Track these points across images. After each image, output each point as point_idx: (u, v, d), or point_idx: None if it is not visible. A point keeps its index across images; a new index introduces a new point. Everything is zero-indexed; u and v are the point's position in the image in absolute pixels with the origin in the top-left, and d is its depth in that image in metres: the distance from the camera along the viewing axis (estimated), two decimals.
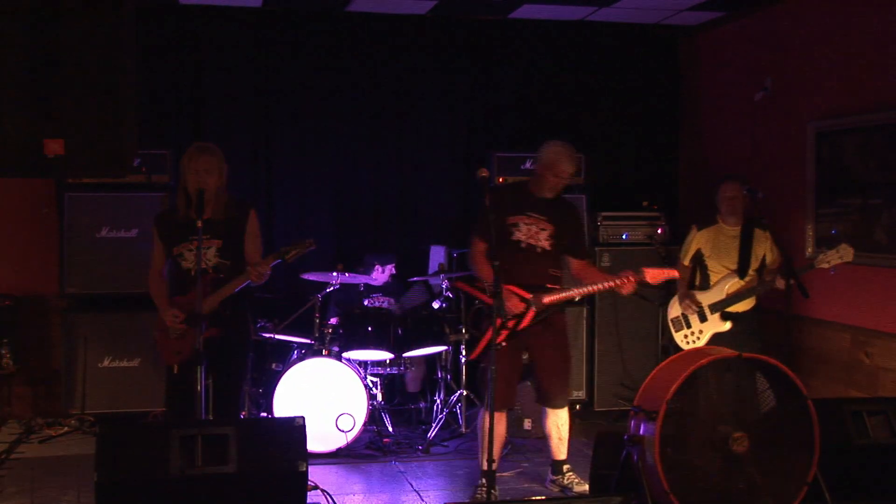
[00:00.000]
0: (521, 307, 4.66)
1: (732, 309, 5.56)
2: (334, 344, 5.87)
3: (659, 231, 6.75)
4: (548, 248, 4.76)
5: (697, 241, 5.71)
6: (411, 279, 6.51)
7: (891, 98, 5.36)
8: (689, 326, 5.69)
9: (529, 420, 6.01)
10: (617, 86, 7.33)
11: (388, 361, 6.06)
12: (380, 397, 6.14)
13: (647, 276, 4.66)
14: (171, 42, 6.62)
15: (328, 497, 4.53)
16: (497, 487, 4.58)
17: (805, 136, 6.04)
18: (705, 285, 5.68)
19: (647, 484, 3.60)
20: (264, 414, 5.80)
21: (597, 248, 6.63)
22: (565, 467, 4.97)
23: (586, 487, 4.71)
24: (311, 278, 6.00)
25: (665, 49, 7.43)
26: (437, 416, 6.07)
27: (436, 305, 6.18)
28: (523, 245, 4.73)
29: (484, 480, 4.47)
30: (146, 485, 3.39)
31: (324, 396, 5.59)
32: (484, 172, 4.48)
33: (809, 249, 5.96)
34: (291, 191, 6.86)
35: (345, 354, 5.80)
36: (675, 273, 4.85)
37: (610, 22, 6.98)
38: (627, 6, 6.50)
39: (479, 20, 7.01)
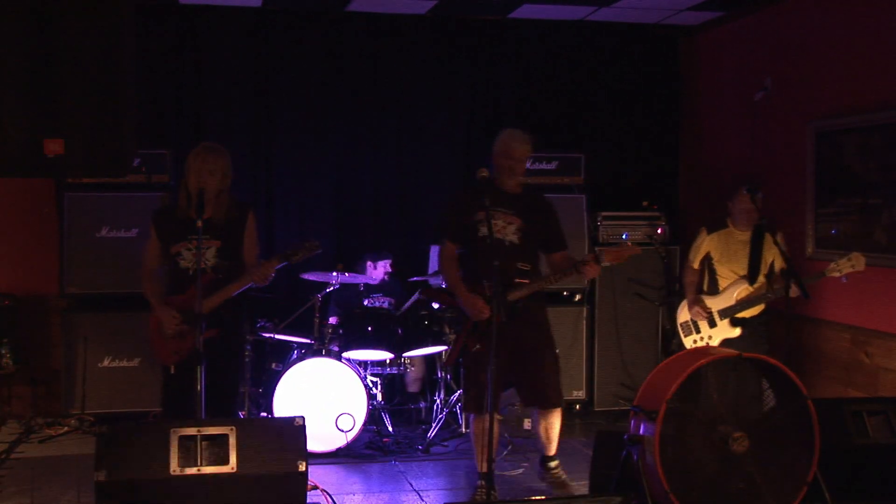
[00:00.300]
0: (486, 309, 4.53)
1: (742, 314, 5.55)
2: (334, 344, 5.87)
3: (659, 231, 6.75)
4: (516, 241, 4.63)
5: (707, 244, 5.67)
6: (411, 279, 6.51)
7: (891, 98, 5.36)
8: (698, 332, 5.67)
9: (529, 420, 6.00)
10: (617, 86, 7.33)
11: (388, 361, 6.06)
12: (380, 397, 6.14)
13: (606, 259, 4.59)
14: (171, 42, 6.62)
15: (328, 497, 4.53)
16: (496, 488, 4.57)
17: (805, 136, 6.04)
18: (714, 290, 5.66)
19: (647, 484, 3.60)
20: (264, 414, 5.80)
21: (597, 248, 6.59)
22: (552, 463, 4.88)
23: (572, 485, 4.71)
24: (311, 278, 6.00)
25: (665, 49, 7.42)
26: (437, 416, 6.07)
27: (436, 305, 6.18)
28: (489, 241, 4.54)
29: (483, 482, 4.46)
30: (146, 485, 3.39)
31: (324, 396, 5.59)
32: (484, 172, 4.47)
33: (809, 249, 5.96)
34: (291, 191, 6.86)
35: (345, 354, 5.80)
36: (636, 250, 4.77)
37: (610, 22, 6.98)
38: (627, 6, 6.50)
39: (478, 20, 7.01)
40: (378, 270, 6.47)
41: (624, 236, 6.72)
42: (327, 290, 6.01)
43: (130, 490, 3.38)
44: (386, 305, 6.24)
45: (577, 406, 6.68)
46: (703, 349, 4.99)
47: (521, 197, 4.75)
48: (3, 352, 6.09)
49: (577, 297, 6.72)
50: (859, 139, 5.62)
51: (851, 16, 5.71)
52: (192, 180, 4.43)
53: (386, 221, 7.06)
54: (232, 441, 3.47)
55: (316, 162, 6.89)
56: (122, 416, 5.96)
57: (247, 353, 5.79)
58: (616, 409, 6.60)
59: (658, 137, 7.45)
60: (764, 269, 5.54)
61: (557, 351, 4.98)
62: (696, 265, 5.72)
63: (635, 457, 3.66)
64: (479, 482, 4.70)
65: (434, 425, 5.98)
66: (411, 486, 5.13)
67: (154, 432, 3.48)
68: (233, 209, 4.57)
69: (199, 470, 3.42)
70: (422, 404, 6.44)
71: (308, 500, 3.63)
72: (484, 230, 4.57)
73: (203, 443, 3.45)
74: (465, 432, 5.99)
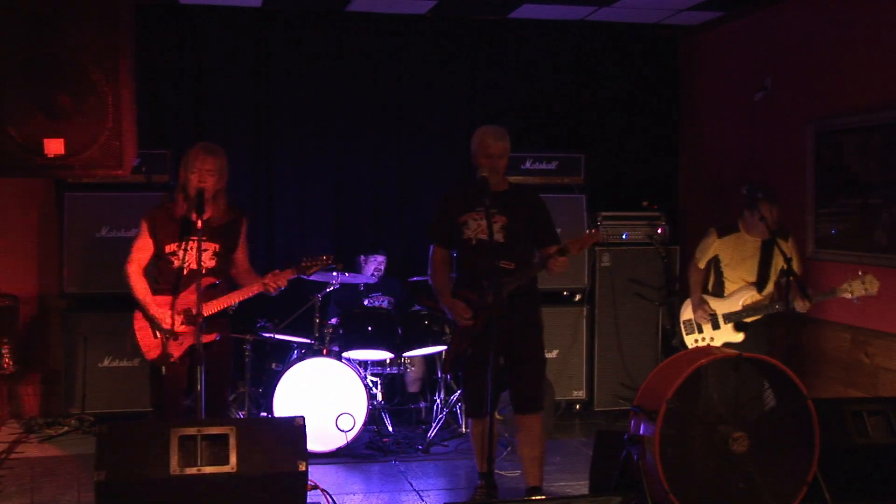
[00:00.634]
0: (467, 313, 4.51)
1: (746, 320, 5.54)
2: (334, 344, 5.87)
3: (659, 231, 6.75)
4: (500, 240, 4.51)
5: (717, 247, 5.62)
6: (411, 279, 6.50)
7: (891, 98, 5.35)
8: (700, 331, 5.64)
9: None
10: (617, 86, 7.33)
11: (388, 361, 6.06)
12: (380, 397, 6.14)
13: (572, 250, 4.45)
14: (171, 42, 6.62)
15: (328, 497, 4.52)
16: (497, 488, 4.56)
17: (805, 136, 6.04)
18: (719, 292, 5.63)
19: (647, 484, 3.60)
20: (264, 414, 5.80)
21: (597, 248, 6.63)
22: (536, 498, 4.56)
23: None
24: (310, 278, 5.99)
25: (665, 49, 7.43)
26: (437, 416, 6.07)
27: None
28: (473, 242, 4.56)
29: (483, 482, 4.46)
30: (146, 485, 3.39)
31: (324, 396, 5.59)
32: (484, 173, 4.47)
33: (809, 249, 5.95)
34: (291, 191, 6.86)
35: (345, 354, 5.80)
36: (598, 237, 4.73)
37: (610, 22, 6.98)
38: (627, 6, 6.50)
39: (478, 20, 7.01)
40: (369, 266, 6.44)
41: (624, 236, 6.72)
42: (327, 290, 6.01)
43: (130, 490, 3.38)
44: (385, 304, 6.24)
45: (577, 406, 6.67)
46: (703, 349, 4.98)
47: (506, 194, 4.65)
48: (4, 352, 6.08)
49: (577, 297, 6.71)
50: (859, 139, 5.62)
51: (851, 16, 5.71)
52: (193, 180, 4.40)
53: (386, 221, 7.05)
54: (232, 441, 3.47)
55: (316, 162, 6.89)
56: (122, 415, 5.96)
57: (247, 353, 5.79)
58: (616, 409, 6.59)
59: (658, 137, 7.45)
60: (774, 277, 5.51)
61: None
62: (701, 265, 5.69)
63: (635, 457, 3.66)
64: (479, 482, 4.69)
65: (434, 425, 5.98)
66: (411, 486, 5.13)
67: (154, 432, 3.48)
68: (229, 211, 4.57)
69: (199, 470, 3.42)
70: (422, 404, 6.44)
71: (308, 500, 3.63)
72: (468, 232, 4.56)
73: (203, 443, 3.45)
74: (465, 432, 5.99)
